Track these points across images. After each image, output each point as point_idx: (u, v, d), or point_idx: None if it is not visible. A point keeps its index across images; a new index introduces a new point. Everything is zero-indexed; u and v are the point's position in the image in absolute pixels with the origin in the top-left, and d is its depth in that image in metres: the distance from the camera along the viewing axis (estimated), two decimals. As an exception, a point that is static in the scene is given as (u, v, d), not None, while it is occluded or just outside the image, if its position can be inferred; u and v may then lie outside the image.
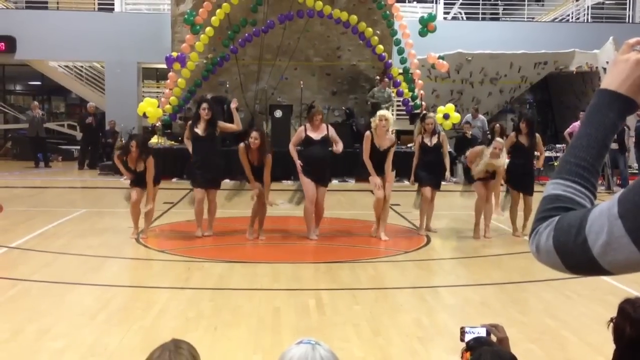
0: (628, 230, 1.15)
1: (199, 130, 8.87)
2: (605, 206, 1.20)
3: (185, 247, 8.39)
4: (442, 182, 9.71)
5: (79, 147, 20.08)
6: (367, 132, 8.78)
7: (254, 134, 8.61)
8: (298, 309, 5.73)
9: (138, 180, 8.69)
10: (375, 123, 8.60)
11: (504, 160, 9.02)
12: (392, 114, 19.84)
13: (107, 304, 5.82)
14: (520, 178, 9.38)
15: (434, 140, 9.39)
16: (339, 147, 8.99)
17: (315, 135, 8.87)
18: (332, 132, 9.02)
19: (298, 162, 8.82)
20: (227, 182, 9.58)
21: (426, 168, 9.35)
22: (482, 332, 2.32)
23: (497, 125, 14.21)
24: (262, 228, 8.92)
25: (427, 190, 9.31)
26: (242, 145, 8.64)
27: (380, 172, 8.77)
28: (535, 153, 9.86)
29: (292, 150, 8.95)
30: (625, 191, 1.20)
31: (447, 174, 9.65)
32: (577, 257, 1.22)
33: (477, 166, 8.99)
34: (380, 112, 8.78)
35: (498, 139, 9.28)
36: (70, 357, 4.53)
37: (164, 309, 5.70)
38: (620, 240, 1.15)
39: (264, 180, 8.67)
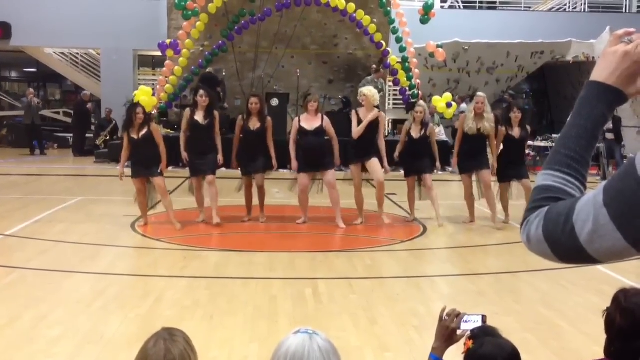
0: (613, 218, 1.17)
1: (199, 118, 8.84)
2: (591, 195, 1.22)
3: (182, 235, 8.39)
4: (435, 172, 9.62)
5: (72, 135, 20.06)
6: (353, 111, 9.09)
7: (253, 98, 8.94)
8: (295, 298, 5.74)
9: (138, 170, 8.61)
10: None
11: (491, 122, 8.94)
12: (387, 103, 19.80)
13: (103, 292, 5.82)
14: (509, 171, 9.10)
15: (422, 132, 9.14)
16: (334, 142, 9.00)
17: (309, 126, 8.85)
18: (328, 124, 8.96)
19: (294, 162, 8.82)
20: (223, 171, 9.56)
21: (411, 158, 9.22)
22: (478, 320, 2.33)
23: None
24: (262, 210, 9.21)
25: (412, 180, 9.27)
26: (240, 116, 8.98)
27: (367, 155, 8.85)
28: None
29: (292, 146, 8.89)
30: (610, 179, 1.22)
31: (438, 164, 9.40)
32: (565, 246, 1.23)
33: (467, 126, 8.92)
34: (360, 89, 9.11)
35: (479, 93, 9.12)
36: (66, 344, 4.53)
37: (160, 297, 5.70)
38: (606, 228, 1.17)
39: (268, 143, 8.87)
